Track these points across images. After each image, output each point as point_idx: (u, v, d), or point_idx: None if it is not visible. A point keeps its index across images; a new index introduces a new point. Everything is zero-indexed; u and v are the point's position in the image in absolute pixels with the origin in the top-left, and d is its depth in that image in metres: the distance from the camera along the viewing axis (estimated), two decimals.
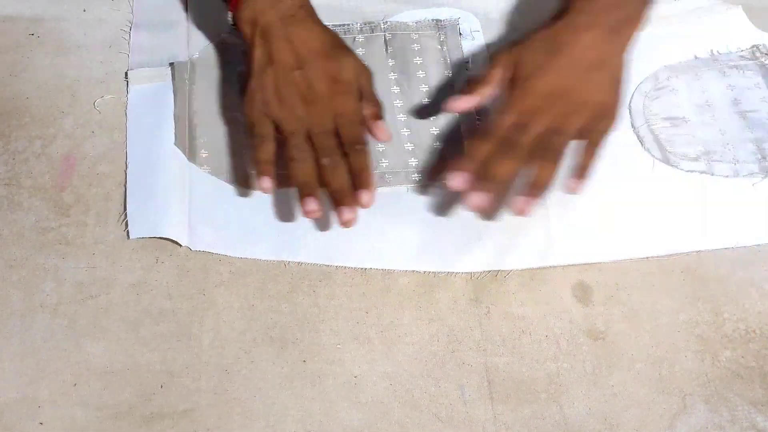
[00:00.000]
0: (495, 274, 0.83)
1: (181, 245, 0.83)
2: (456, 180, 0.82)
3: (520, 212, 0.81)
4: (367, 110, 0.88)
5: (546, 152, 0.83)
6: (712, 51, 1.00)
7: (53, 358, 0.76)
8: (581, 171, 0.84)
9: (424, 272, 0.83)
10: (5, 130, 0.91)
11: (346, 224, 0.82)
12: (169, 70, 0.95)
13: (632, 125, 0.94)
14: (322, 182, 0.84)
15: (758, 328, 0.80)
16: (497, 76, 0.88)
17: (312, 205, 0.82)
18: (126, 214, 0.85)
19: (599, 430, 0.74)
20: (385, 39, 1.00)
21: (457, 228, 0.86)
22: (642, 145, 0.92)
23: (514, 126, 0.84)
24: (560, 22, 0.88)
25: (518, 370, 0.77)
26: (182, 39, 0.97)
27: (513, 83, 0.87)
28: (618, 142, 0.93)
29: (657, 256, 0.84)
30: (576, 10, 0.88)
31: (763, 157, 0.91)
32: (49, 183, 0.87)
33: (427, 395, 0.76)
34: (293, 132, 0.86)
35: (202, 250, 0.83)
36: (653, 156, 0.91)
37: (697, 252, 0.85)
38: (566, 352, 0.78)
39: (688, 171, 0.91)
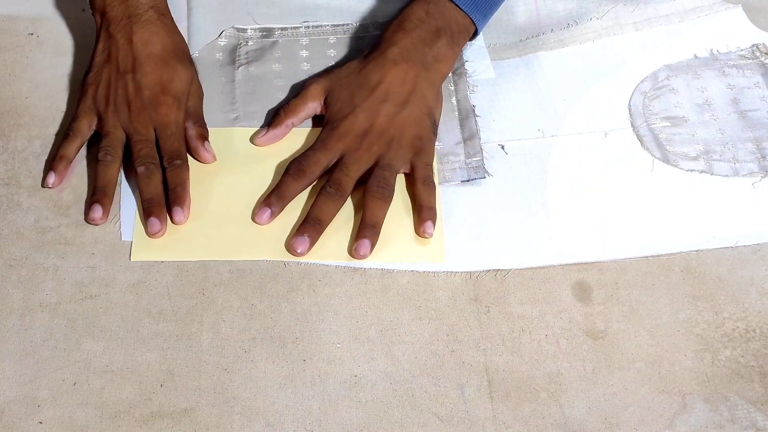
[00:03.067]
0: (495, 274, 0.83)
1: None
2: (262, 216, 0.84)
3: (363, 257, 0.82)
4: (192, 130, 0.89)
5: (375, 191, 0.84)
6: (711, 50, 1.00)
7: (53, 357, 0.76)
8: (430, 212, 0.85)
9: (424, 272, 0.83)
10: (5, 130, 0.91)
11: (153, 236, 0.83)
12: None
13: (632, 125, 0.94)
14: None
15: (758, 328, 0.80)
16: (306, 107, 0.91)
17: (96, 212, 0.84)
18: (120, 216, 0.85)
19: (599, 429, 0.74)
20: None
21: (457, 228, 0.86)
22: (642, 144, 0.92)
23: (336, 169, 0.86)
24: (372, 56, 0.91)
25: (518, 369, 0.77)
26: None
27: (327, 121, 0.89)
28: (618, 142, 0.93)
29: (657, 256, 0.84)
30: (387, 45, 0.91)
31: (763, 157, 0.91)
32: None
33: (427, 394, 0.76)
34: (108, 133, 0.87)
35: None
36: (653, 155, 0.91)
37: (697, 251, 0.85)
38: (566, 351, 0.78)
39: (687, 170, 0.91)
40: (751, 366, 0.78)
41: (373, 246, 0.82)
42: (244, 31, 1.01)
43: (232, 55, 0.99)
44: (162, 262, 0.82)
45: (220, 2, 1.03)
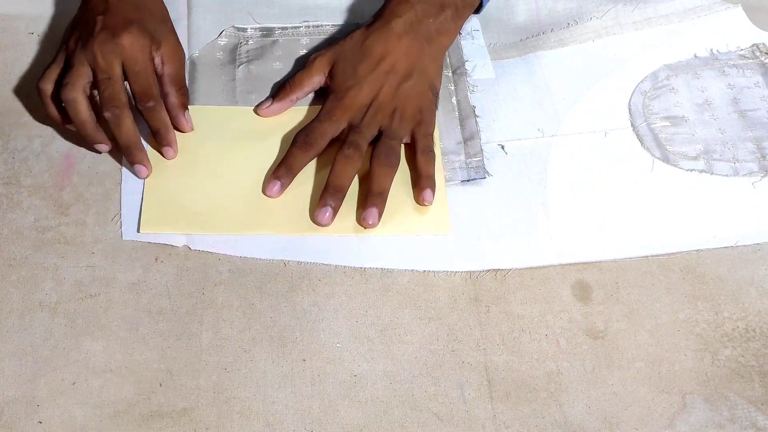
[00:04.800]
0: (495, 274, 0.83)
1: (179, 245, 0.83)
2: (272, 189, 0.85)
3: (371, 226, 0.83)
4: (174, 98, 0.89)
5: (383, 158, 0.85)
6: (711, 50, 1.00)
7: (52, 356, 0.76)
8: (429, 181, 0.86)
9: (424, 271, 0.83)
10: (5, 129, 0.91)
11: (143, 178, 0.85)
12: None
13: (632, 124, 0.94)
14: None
15: (758, 327, 0.80)
16: (312, 81, 0.91)
17: (103, 148, 0.86)
18: (121, 215, 0.85)
19: (599, 428, 0.74)
20: None
21: (457, 228, 0.86)
22: (641, 144, 0.92)
23: (349, 133, 0.86)
24: (376, 27, 0.92)
25: (518, 369, 0.77)
26: (182, 39, 0.97)
27: (331, 92, 0.90)
28: (618, 141, 0.93)
29: (657, 255, 0.84)
30: (391, 16, 0.91)
31: (763, 156, 0.91)
32: (48, 182, 0.87)
33: (427, 394, 0.76)
34: (71, 65, 0.86)
35: (201, 249, 0.83)
36: (653, 155, 0.91)
37: (696, 251, 0.85)
38: (566, 351, 0.78)
39: (687, 170, 0.91)
40: (751, 366, 0.78)
41: (380, 215, 0.83)
42: (244, 30, 1.01)
43: (233, 54, 0.99)
44: (162, 261, 0.82)
45: (220, 2, 1.03)
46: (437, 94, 0.92)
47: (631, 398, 0.76)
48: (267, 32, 1.01)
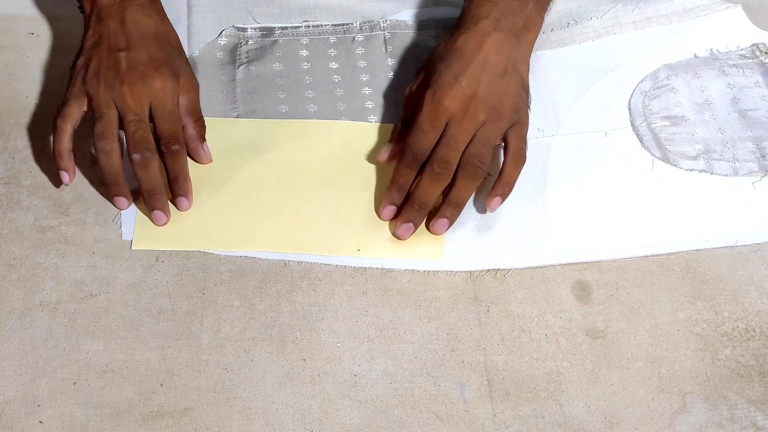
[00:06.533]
0: (494, 273, 0.83)
1: None
2: (388, 215, 0.84)
3: (439, 233, 0.83)
4: (192, 129, 0.87)
5: (471, 169, 0.83)
6: (711, 50, 1.00)
7: (53, 356, 0.76)
8: (507, 186, 0.84)
9: (424, 271, 0.83)
10: (5, 129, 0.91)
11: (159, 226, 0.83)
12: None
13: (632, 124, 0.94)
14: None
15: (758, 327, 0.80)
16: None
17: (122, 204, 0.84)
18: (121, 215, 0.85)
19: (599, 428, 0.74)
20: (384, 38, 1.00)
21: (457, 227, 0.86)
22: (641, 143, 0.92)
23: (441, 144, 0.84)
24: (463, 29, 0.88)
25: (518, 369, 0.77)
26: (182, 38, 0.97)
27: (430, 89, 0.86)
28: (617, 141, 0.93)
29: (657, 255, 0.84)
30: (478, 17, 0.88)
31: (763, 156, 0.91)
32: (48, 182, 0.87)
33: (427, 394, 0.76)
34: (101, 115, 0.83)
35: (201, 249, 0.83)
36: (653, 155, 0.91)
37: (696, 251, 0.85)
38: (566, 350, 0.78)
39: (687, 170, 0.91)
40: (750, 365, 0.78)
41: (450, 225, 0.83)
42: (244, 30, 1.01)
43: (233, 54, 0.99)
44: (162, 261, 0.82)
45: (220, 2, 1.03)
46: (529, 94, 0.89)
47: (631, 398, 0.76)
48: (267, 32, 1.01)
